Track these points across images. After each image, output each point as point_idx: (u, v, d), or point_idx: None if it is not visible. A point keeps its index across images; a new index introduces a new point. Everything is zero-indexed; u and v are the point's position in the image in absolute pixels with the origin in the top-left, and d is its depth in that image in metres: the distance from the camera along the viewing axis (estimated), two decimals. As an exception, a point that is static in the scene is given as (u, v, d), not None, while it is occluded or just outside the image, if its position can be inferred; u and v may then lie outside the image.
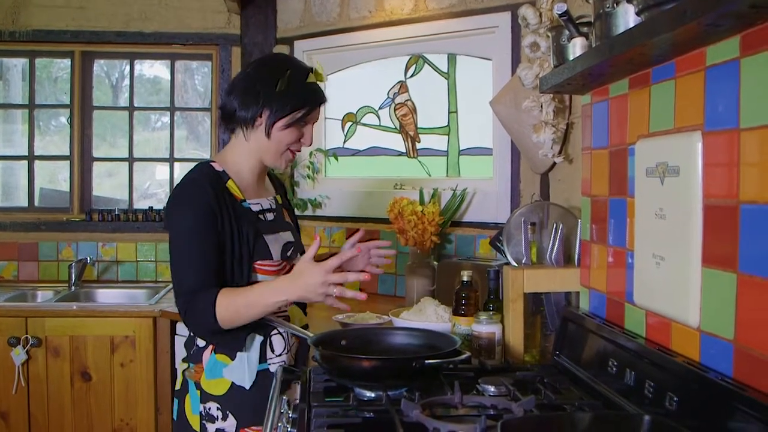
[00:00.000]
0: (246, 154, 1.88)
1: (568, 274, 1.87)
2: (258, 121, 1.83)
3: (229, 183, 1.83)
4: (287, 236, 1.92)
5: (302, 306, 2.05)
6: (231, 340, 1.77)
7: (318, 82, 1.90)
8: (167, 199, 1.82)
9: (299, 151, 1.93)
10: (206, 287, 1.70)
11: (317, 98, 1.88)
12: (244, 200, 1.84)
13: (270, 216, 1.90)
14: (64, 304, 3.33)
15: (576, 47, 1.56)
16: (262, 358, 1.82)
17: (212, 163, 1.86)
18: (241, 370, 1.80)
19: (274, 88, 1.81)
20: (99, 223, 3.89)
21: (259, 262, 1.81)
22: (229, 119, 1.88)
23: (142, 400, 3.14)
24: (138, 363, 3.13)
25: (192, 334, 1.84)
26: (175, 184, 1.88)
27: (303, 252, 1.96)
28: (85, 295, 3.64)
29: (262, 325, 1.82)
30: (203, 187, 1.76)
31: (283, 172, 1.91)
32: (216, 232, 1.74)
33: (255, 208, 1.86)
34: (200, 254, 1.72)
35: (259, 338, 1.82)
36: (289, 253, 1.90)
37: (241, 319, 1.70)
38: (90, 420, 3.14)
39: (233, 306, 1.68)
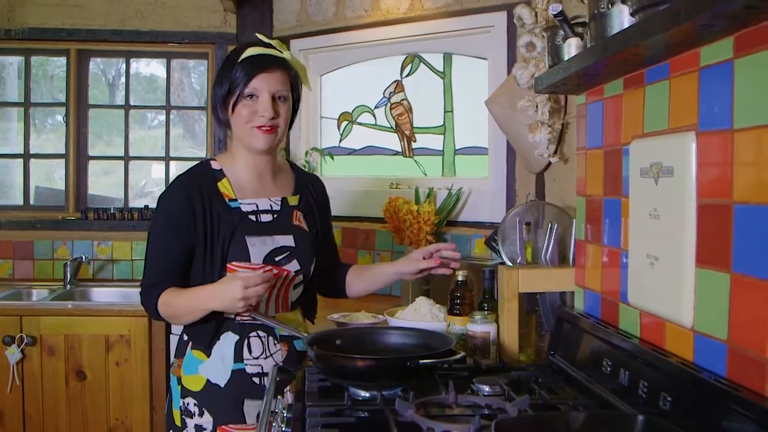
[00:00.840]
0: (237, 152, 1.89)
1: (563, 274, 1.87)
2: (222, 116, 1.87)
3: (223, 182, 1.84)
4: (283, 240, 1.85)
5: (311, 312, 2.02)
6: (199, 332, 1.82)
7: (260, 53, 1.82)
8: None
9: (265, 125, 1.80)
10: (159, 284, 1.80)
11: (251, 68, 1.80)
12: (235, 199, 1.84)
13: (266, 217, 1.86)
14: (59, 302, 3.33)
15: (571, 47, 1.56)
16: (238, 357, 1.81)
17: (212, 161, 1.89)
18: (216, 367, 1.81)
19: (216, 82, 1.87)
20: (94, 222, 3.88)
21: (234, 263, 1.79)
22: (217, 124, 1.94)
23: (137, 399, 3.14)
24: (133, 362, 3.13)
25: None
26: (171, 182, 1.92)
27: (307, 257, 1.90)
28: (80, 294, 3.64)
29: (240, 326, 1.82)
30: (186, 188, 1.81)
31: (262, 150, 1.86)
32: (184, 234, 1.79)
33: (247, 208, 1.84)
34: (159, 254, 1.82)
35: (234, 337, 1.82)
36: (278, 258, 1.83)
37: (183, 318, 1.82)
38: (85, 419, 3.13)
39: (171, 307, 1.79)
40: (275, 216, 1.88)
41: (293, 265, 1.86)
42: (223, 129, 1.96)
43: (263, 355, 1.83)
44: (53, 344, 3.11)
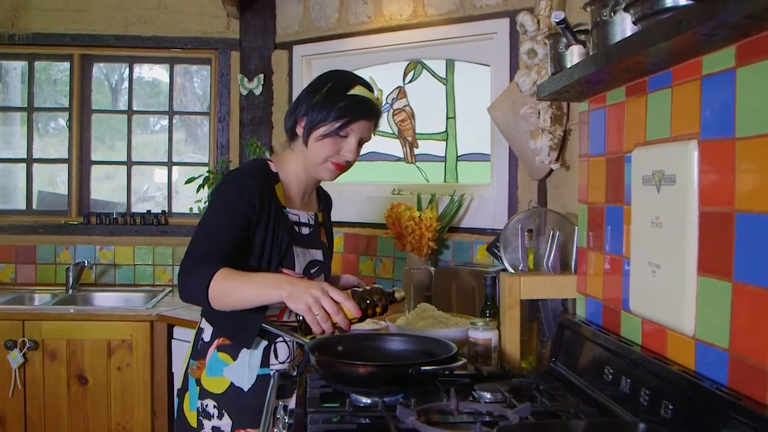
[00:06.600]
0: (293, 163, 1.89)
1: (564, 281, 1.87)
2: (298, 130, 1.85)
3: (277, 186, 1.85)
4: (316, 254, 1.92)
5: None
6: (242, 334, 1.78)
7: (368, 97, 1.83)
8: (222, 178, 1.83)
9: (342, 164, 1.84)
10: (213, 261, 1.64)
11: (356, 110, 1.79)
12: (285, 207, 1.86)
13: (305, 230, 1.91)
14: (61, 307, 3.33)
15: (573, 55, 1.56)
16: (264, 362, 1.83)
17: (269, 162, 1.89)
18: (242, 371, 1.81)
19: (314, 97, 1.82)
20: (97, 227, 3.89)
21: (285, 270, 1.82)
22: (285, 129, 1.91)
23: (139, 404, 3.14)
24: (135, 367, 3.13)
25: (185, 298, 1.73)
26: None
27: (328, 272, 1.98)
28: (82, 299, 3.64)
29: (269, 332, 1.83)
30: (257, 181, 1.77)
31: (324, 181, 1.91)
32: (248, 222, 1.73)
33: (293, 218, 1.87)
34: (221, 231, 1.69)
35: (263, 343, 1.83)
36: (313, 271, 1.89)
37: (234, 298, 1.61)
38: (86, 424, 3.13)
39: (232, 281, 1.60)
40: (311, 230, 1.92)
41: (321, 279, 1.92)
42: (289, 138, 1.91)
43: (288, 359, 1.87)
44: (55, 349, 3.11)
